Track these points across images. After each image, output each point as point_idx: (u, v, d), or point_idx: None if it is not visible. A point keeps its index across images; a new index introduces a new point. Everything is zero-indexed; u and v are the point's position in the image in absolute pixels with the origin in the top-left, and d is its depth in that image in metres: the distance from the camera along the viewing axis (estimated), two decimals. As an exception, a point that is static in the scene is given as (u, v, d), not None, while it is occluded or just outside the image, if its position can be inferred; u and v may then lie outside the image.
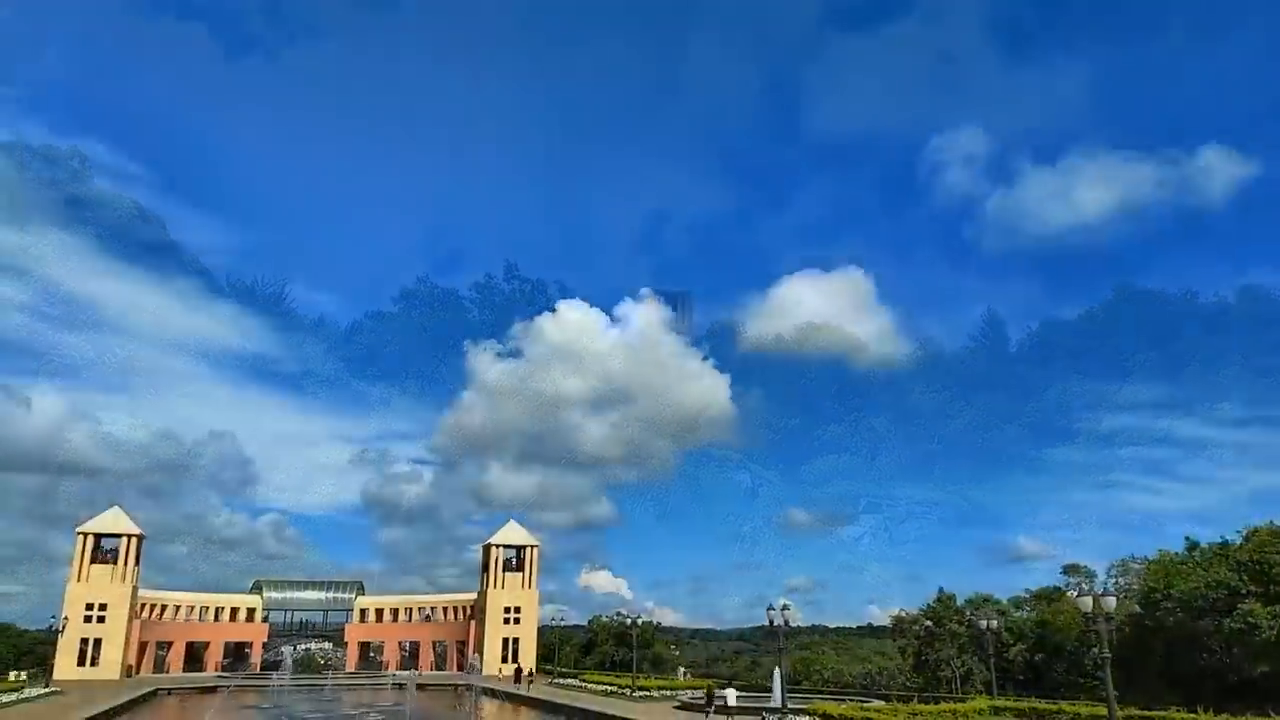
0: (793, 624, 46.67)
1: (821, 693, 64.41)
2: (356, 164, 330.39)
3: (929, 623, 78.15)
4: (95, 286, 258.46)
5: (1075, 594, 33.23)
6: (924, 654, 78.49)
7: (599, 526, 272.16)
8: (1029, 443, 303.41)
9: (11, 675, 70.59)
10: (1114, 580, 74.02)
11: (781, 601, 44.77)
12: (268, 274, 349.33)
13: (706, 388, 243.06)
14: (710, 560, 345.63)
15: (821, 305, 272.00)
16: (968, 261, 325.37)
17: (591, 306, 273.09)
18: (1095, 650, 27.38)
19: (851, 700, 52.72)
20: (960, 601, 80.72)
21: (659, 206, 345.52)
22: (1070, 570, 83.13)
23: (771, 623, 41.45)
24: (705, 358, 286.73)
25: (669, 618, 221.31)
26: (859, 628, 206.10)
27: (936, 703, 49.84)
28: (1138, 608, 61.99)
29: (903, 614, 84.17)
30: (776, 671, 49.79)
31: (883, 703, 51.81)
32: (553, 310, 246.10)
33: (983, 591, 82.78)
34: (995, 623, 58.56)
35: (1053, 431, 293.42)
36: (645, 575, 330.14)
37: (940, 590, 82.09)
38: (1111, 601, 27.68)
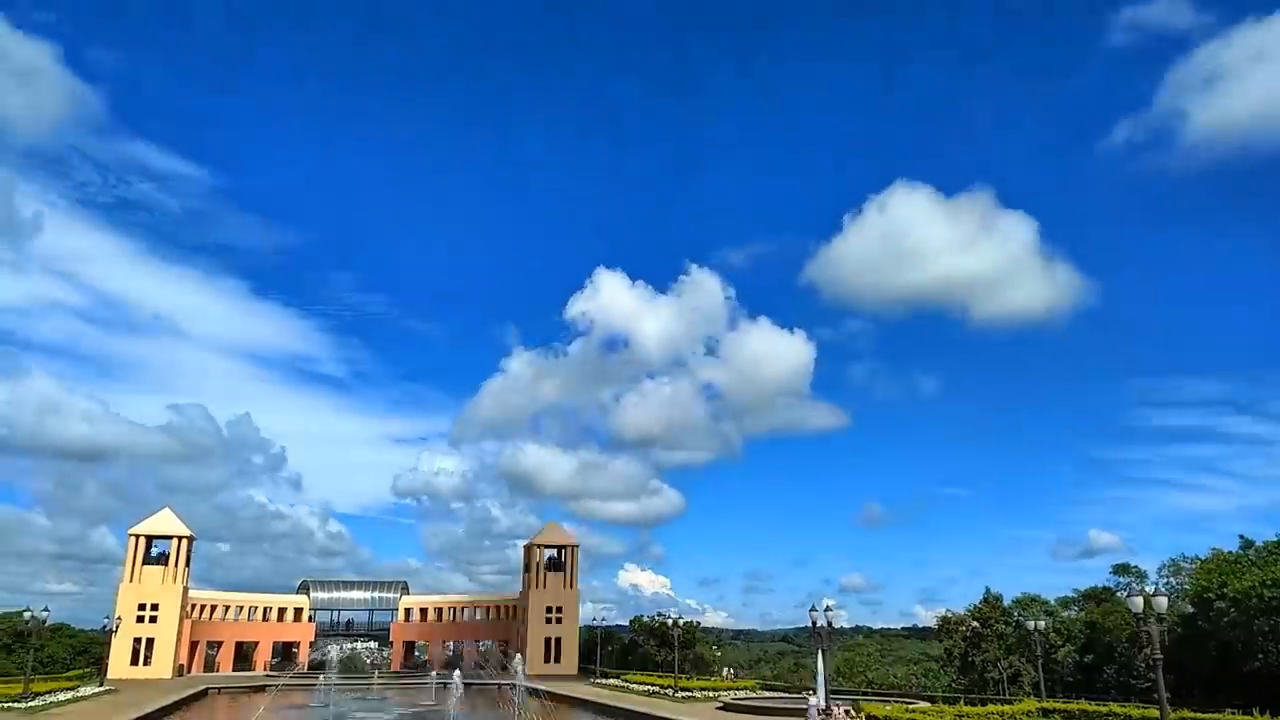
0: (836, 625, 46.31)
1: (866, 694, 63.87)
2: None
3: (975, 623, 77.15)
4: (141, 288, 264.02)
5: (1125, 594, 32.60)
6: (970, 655, 77.47)
7: (648, 524, 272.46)
8: (1084, 437, 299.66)
9: (69, 674, 72.43)
10: (1165, 580, 72.53)
11: (825, 601, 44.49)
12: (313, 274, 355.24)
13: (778, 356, 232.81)
14: (763, 557, 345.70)
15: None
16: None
17: (634, 280, 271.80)
18: (1146, 651, 26.78)
19: (896, 701, 52.21)
20: (1007, 601, 79.64)
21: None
22: (1120, 570, 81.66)
23: (814, 623, 41.17)
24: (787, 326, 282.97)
25: (713, 618, 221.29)
26: (904, 629, 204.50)
27: (983, 704, 49.18)
28: (1190, 608, 60.68)
29: (948, 615, 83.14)
30: (819, 672, 49.47)
31: (928, 704, 51.22)
32: (596, 282, 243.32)
33: (1030, 592, 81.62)
34: (1043, 623, 57.67)
35: (1106, 426, 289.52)
36: (694, 573, 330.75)
37: (987, 590, 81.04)
38: (1163, 602, 27.12)
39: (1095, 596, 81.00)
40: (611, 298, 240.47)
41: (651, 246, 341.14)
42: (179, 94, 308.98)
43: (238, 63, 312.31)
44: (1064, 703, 48.52)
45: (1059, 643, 72.46)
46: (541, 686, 68.24)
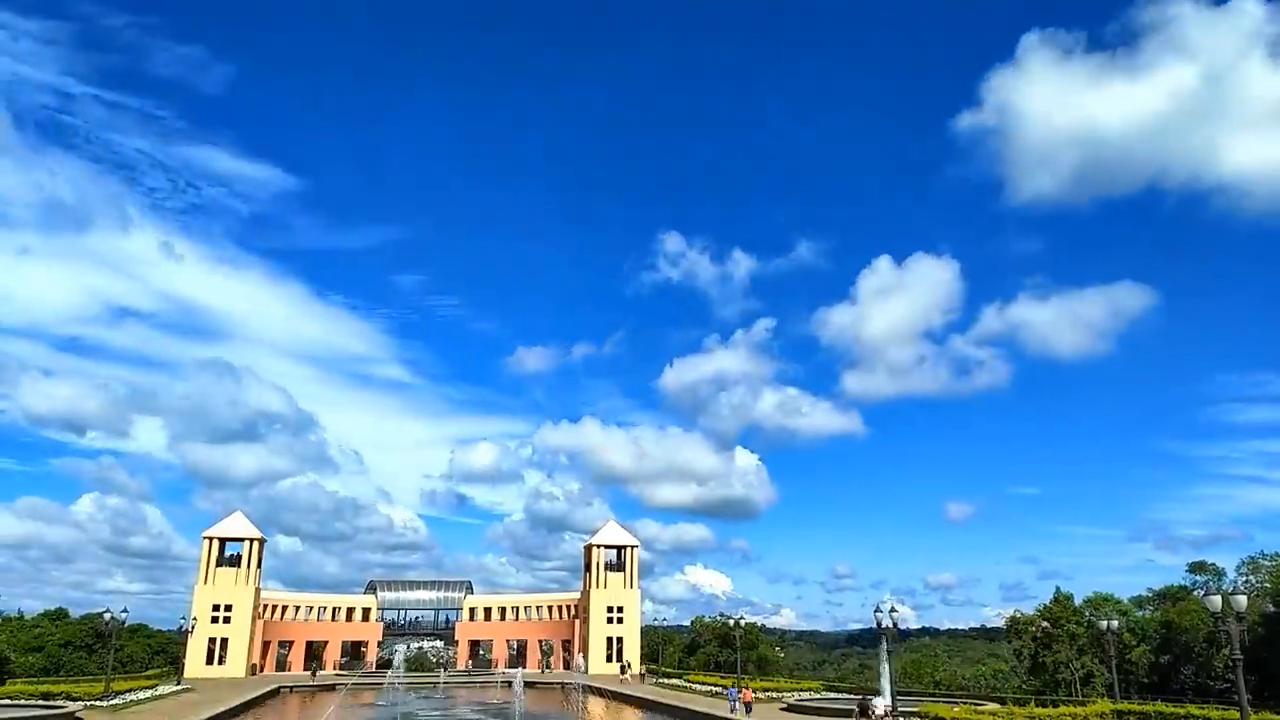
0: (902, 626, 45.74)
1: (933, 695, 62.91)
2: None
3: (1046, 623, 75.53)
4: (210, 290, 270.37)
5: (1203, 593, 31.62)
6: (1041, 656, 75.88)
7: (719, 523, 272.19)
8: (1163, 435, 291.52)
9: (148, 674, 74.82)
10: (1244, 578, 70.29)
11: (889, 602, 43.95)
12: (378, 277, 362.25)
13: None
14: (839, 557, 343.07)
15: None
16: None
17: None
18: (1225, 651, 25.99)
19: (964, 703, 51.31)
20: (1078, 601, 77.84)
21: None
22: (1197, 568, 79.34)
23: (879, 624, 40.68)
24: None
25: (777, 619, 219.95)
26: (971, 630, 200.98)
27: (1055, 706, 48.13)
28: (1271, 606, 58.68)
29: (1018, 615, 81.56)
30: (885, 673, 48.91)
31: (998, 705, 50.25)
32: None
33: (1102, 591, 79.70)
34: (1116, 623, 56.18)
35: (1183, 423, 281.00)
36: (765, 574, 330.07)
37: (1057, 590, 79.36)
38: (1242, 600, 26.26)
39: (1171, 596, 78.82)
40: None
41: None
42: (250, 98, 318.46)
43: (309, 67, 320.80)
44: (1139, 704, 47.32)
45: (1133, 643, 70.67)
46: (604, 686, 68.67)
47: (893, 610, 40.56)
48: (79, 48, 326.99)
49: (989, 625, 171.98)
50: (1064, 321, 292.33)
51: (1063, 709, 45.69)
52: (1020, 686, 76.99)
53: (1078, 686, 70.61)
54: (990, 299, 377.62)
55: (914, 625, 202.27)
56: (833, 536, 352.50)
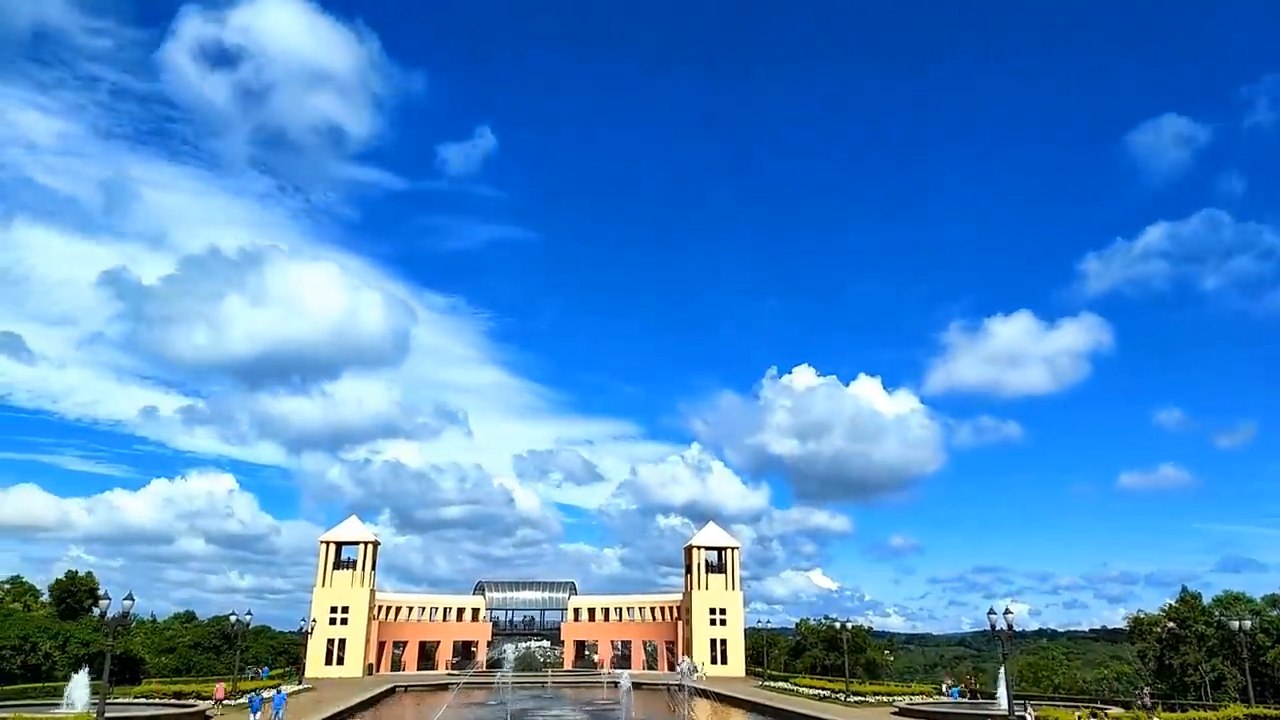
0: (1017, 627, 44.38)
1: (1052, 699, 60.82)
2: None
3: (1172, 624, 72.12)
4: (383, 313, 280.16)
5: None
6: (1167, 658, 72.49)
7: (826, 528, 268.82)
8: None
9: (271, 673, 78.17)
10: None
11: (1004, 603, 42.74)
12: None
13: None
14: (958, 558, 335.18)
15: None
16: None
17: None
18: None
19: (1086, 707, 49.46)
20: (1207, 600, 74.05)
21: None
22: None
23: (994, 626, 39.54)
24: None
25: (882, 621, 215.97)
26: (1091, 631, 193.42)
27: (1184, 710, 46.02)
28: None
29: (1141, 615, 78.06)
30: (1002, 677, 47.58)
31: (1122, 710, 48.36)
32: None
33: (1233, 590, 75.54)
34: (1250, 623, 53.37)
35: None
36: (876, 575, 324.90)
37: (1184, 589, 75.60)
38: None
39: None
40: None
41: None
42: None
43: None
44: (1276, 709, 44.86)
45: (1268, 644, 66.81)
46: (709, 688, 68.55)
47: (1007, 612, 39.36)
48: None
49: (1110, 626, 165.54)
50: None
51: (1192, 714, 43.72)
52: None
53: (1208, 690, 67.26)
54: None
55: (1030, 627, 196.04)
56: (959, 538, 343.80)
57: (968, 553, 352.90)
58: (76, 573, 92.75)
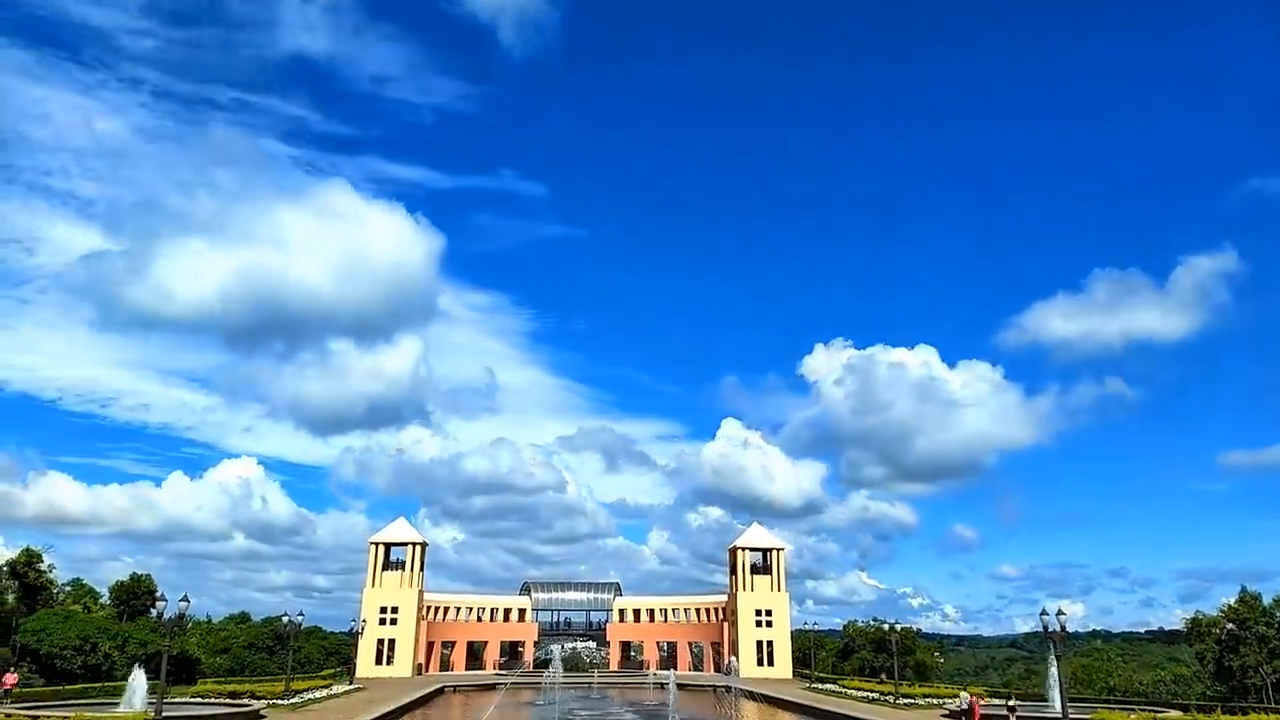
0: (1070, 629, 43.61)
1: (1106, 701, 59.61)
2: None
3: (1231, 625, 70.37)
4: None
5: None
6: (1226, 660, 70.73)
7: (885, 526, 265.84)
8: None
9: (323, 673, 79.42)
10: None
11: (1057, 605, 42.06)
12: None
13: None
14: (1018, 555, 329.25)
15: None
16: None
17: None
18: None
19: (1142, 710, 48.43)
20: (1267, 600, 72.12)
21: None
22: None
23: (1046, 628, 38.92)
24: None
25: (928, 623, 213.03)
26: (1147, 633, 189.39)
27: (1244, 714, 44.81)
28: None
29: (1199, 617, 76.22)
30: (1054, 678, 46.76)
31: (1180, 713, 47.25)
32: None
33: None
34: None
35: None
36: (928, 577, 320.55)
37: (1243, 589, 73.66)
38: None
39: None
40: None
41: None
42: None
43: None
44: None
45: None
46: (755, 689, 68.31)
47: (1060, 613, 38.73)
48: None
49: (1167, 628, 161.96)
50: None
51: (1254, 717, 42.53)
52: (1204, 693, 72.02)
53: (1269, 693, 65.50)
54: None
55: (1084, 628, 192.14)
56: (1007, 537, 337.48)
57: (1038, 548, 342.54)
58: (138, 575, 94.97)
